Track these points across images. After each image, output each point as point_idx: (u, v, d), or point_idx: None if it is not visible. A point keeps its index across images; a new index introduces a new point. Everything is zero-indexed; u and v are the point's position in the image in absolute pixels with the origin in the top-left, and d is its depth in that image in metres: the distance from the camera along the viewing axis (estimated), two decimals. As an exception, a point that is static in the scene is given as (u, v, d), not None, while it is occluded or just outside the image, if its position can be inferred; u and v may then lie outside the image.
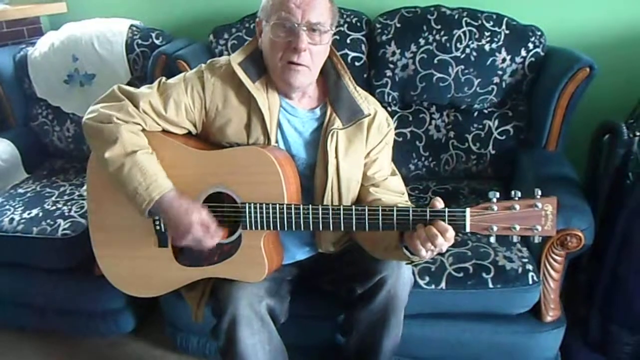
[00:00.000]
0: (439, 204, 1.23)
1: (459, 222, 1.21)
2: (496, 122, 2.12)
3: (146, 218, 1.41)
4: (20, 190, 2.27)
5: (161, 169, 1.38)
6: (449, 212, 1.21)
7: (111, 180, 1.39)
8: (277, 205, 1.34)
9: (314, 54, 1.37)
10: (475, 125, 2.13)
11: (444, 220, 1.21)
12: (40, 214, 2.04)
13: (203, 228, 1.35)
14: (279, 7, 1.34)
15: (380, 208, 1.28)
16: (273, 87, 1.45)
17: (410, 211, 1.25)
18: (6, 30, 2.63)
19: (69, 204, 2.11)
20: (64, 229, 1.95)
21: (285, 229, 1.35)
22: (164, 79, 1.48)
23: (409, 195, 1.62)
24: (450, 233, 1.20)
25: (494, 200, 1.20)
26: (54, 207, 2.09)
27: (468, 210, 1.20)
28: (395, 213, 1.26)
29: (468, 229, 1.21)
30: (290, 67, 1.36)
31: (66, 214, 2.03)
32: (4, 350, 2.14)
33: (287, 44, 1.35)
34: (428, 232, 1.20)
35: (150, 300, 1.66)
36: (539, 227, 1.18)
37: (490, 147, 2.13)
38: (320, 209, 1.32)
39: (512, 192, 1.20)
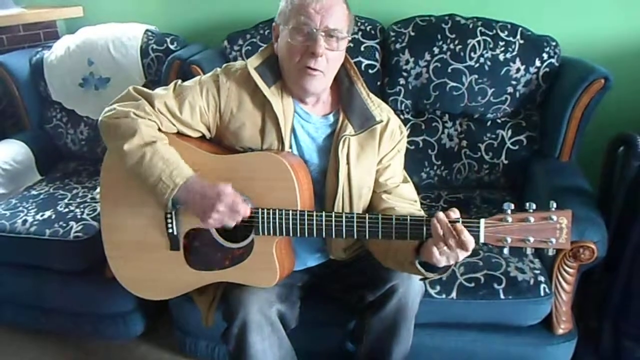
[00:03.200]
0: (454, 214, 1.22)
1: (473, 233, 1.20)
2: (509, 132, 2.11)
3: (167, 209, 1.40)
4: (34, 192, 2.28)
5: (180, 157, 1.38)
6: (463, 222, 1.20)
7: (131, 174, 1.39)
8: (291, 212, 1.34)
9: (330, 60, 1.38)
10: (488, 135, 2.13)
11: None
12: (53, 216, 2.05)
13: (230, 197, 1.32)
14: (298, 11, 1.35)
15: (394, 217, 1.27)
16: (288, 92, 1.46)
17: (425, 220, 1.24)
18: (23, 34, 2.66)
19: (81, 206, 2.12)
20: (76, 232, 1.96)
21: (298, 235, 1.35)
22: (179, 81, 1.50)
23: (421, 204, 1.62)
24: (466, 235, 1.18)
25: (509, 211, 1.19)
26: (67, 210, 2.10)
27: (482, 221, 1.20)
28: (409, 222, 1.26)
29: (482, 240, 1.20)
30: (307, 72, 1.37)
31: (79, 216, 2.05)
32: (14, 350, 2.14)
33: (304, 48, 1.36)
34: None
35: (159, 303, 1.67)
36: (554, 240, 1.17)
37: (503, 156, 2.12)
38: (333, 216, 1.32)
39: (527, 204, 1.19)
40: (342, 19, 1.38)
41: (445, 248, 1.20)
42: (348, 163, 1.45)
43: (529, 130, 2.10)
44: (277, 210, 1.35)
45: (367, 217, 1.30)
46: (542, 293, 1.63)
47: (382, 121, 1.48)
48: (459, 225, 1.19)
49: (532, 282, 1.64)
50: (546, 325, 1.72)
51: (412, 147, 2.15)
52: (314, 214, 1.33)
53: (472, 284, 1.65)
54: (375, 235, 1.30)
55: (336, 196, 1.44)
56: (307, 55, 1.35)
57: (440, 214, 1.20)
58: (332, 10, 1.35)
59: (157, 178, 1.34)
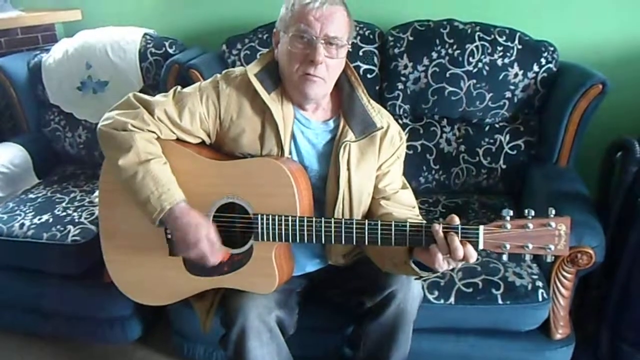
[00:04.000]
0: (453, 221, 1.22)
1: (472, 240, 1.20)
2: (507, 137, 2.11)
3: (156, 227, 1.41)
4: (31, 196, 2.28)
5: (174, 179, 1.39)
6: (462, 229, 1.20)
7: (124, 187, 1.40)
8: (290, 218, 1.34)
9: (329, 67, 1.38)
10: (487, 140, 2.13)
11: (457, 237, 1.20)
12: (51, 220, 2.05)
13: (209, 245, 1.36)
14: (299, 19, 1.35)
15: (393, 223, 1.27)
16: (288, 98, 1.46)
17: (424, 227, 1.24)
18: (21, 37, 2.65)
19: (79, 210, 2.12)
20: (73, 235, 1.95)
21: (298, 241, 1.35)
22: (179, 88, 1.49)
23: (419, 208, 1.62)
24: (468, 248, 1.19)
25: (508, 218, 1.19)
26: (64, 213, 2.10)
27: (482, 227, 1.20)
28: (408, 229, 1.26)
29: (481, 247, 1.20)
30: (307, 78, 1.37)
31: (76, 220, 2.04)
32: (12, 354, 2.14)
33: (304, 56, 1.36)
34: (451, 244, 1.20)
35: (157, 308, 1.66)
36: (552, 247, 1.18)
37: (501, 161, 2.12)
38: (332, 222, 1.32)
39: (526, 211, 1.19)
40: (343, 27, 1.38)
41: (449, 256, 1.21)
42: (348, 169, 1.45)
43: (527, 135, 2.10)
44: (276, 216, 1.35)
45: (366, 224, 1.30)
46: (540, 298, 1.63)
47: (382, 127, 1.49)
48: (463, 241, 1.20)
49: (530, 287, 1.64)
50: (544, 330, 1.73)
51: (411, 152, 2.15)
52: (314, 220, 1.33)
53: (471, 289, 1.65)
54: (374, 241, 1.30)
55: (336, 202, 1.44)
56: (307, 62, 1.35)
57: (437, 227, 1.21)
58: (332, 18, 1.35)
59: (146, 199, 1.35)
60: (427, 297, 1.64)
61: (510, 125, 2.13)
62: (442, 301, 1.65)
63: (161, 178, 1.36)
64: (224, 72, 1.51)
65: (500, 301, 1.63)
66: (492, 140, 2.13)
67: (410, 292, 1.46)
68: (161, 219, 1.36)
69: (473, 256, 1.19)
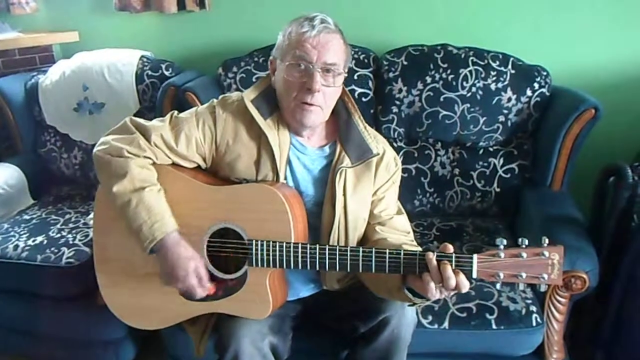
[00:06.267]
0: (446, 249, 1.23)
1: (465, 268, 1.20)
2: (501, 160, 2.13)
3: (147, 255, 1.41)
4: (26, 217, 2.27)
5: (167, 208, 1.39)
6: (456, 257, 1.21)
7: (118, 213, 1.40)
8: (285, 244, 1.34)
9: (327, 95, 1.39)
10: (481, 163, 2.15)
11: (451, 265, 1.21)
12: (45, 242, 2.05)
13: (197, 279, 1.37)
14: (295, 46, 1.37)
15: (387, 251, 1.28)
16: (284, 124, 1.47)
17: (418, 255, 1.25)
18: (18, 58, 2.67)
19: (73, 232, 2.12)
20: (67, 257, 1.95)
21: (292, 267, 1.35)
22: (175, 112, 1.50)
23: (414, 231, 1.63)
24: (461, 278, 1.20)
25: (501, 247, 1.19)
26: (59, 235, 2.10)
27: (475, 256, 1.20)
28: (402, 257, 1.26)
29: (475, 275, 1.20)
30: (303, 107, 1.38)
31: (70, 242, 2.04)
32: (3, 377, 2.13)
33: (301, 84, 1.37)
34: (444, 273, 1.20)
35: (151, 330, 1.65)
36: (546, 276, 1.18)
37: (495, 184, 2.13)
38: (327, 249, 1.32)
39: (519, 240, 1.20)
40: (340, 54, 1.39)
41: (441, 285, 1.21)
42: (344, 194, 1.46)
43: (520, 158, 2.12)
44: (270, 242, 1.35)
45: (360, 251, 1.30)
46: (534, 323, 1.63)
47: (378, 154, 1.49)
48: (456, 270, 1.20)
49: (524, 312, 1.64)
50: (539, 355, 1.72)
51: (405, 175, 2.16)
52: (308, 246, 1.33)
53: (465, 314, 1.65)
54: (368, 269, 1.30)
55: (332, 228, 1.45)
56: (304, 90, 1.37)
57: (431, 255, 1.21)
58: (328, 46, 1.36)
59: (139, 227, 1.35)
60: (421, 321, 1.63)
61: (504, 149, 2.14)
62: (436, 326, 1.65)
63: (154, 207, 1.36)
64: (220, 97, 1.52)
65: (494, 326, 1.63)
66: (486, 164, 2.14)
67: (405, 317, 1.45)
68: (152, 248, 1.36)
69: (466, 286, 1.19)
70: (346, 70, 1.43)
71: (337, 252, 1.32)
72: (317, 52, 1.35)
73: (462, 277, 1.19)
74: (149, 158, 1.41)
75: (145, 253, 1.38)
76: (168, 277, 1.38)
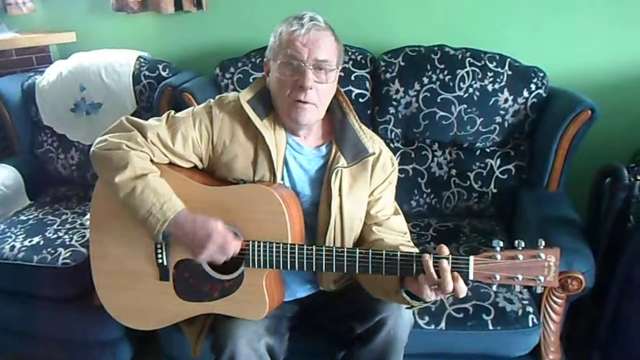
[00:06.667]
0: (442, 251, 1.23)
1: (462, 270, 1.21)
2: (498, 161, 2.13)
3: (158, 240, 1.40)
4: (23, 217, 2.27)
5: (172, 191, 1.38)
6: (452, 259, 1.21)
7: (122, 206, 1.39)
8: (282, 245, 1.34)
9: (320, 92, 1.39)
10: (477, 164, 2.15)
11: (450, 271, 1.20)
12: (42, 242, 2.04)
13: (222, 236, 1.34)
14: (286, 45, 1.37)
15: (384, 252, 1.28)
16: (280, 124, 1.47)
17: (414, 257, 1.25)
18: (15, 58, 2.66)
19: (70, 232, 2.11)
20: (64, 258, 1.95)
21: (289, 268, 1.35)
22: (172, 112, 1.50)
23: (410, 232, 1.63)
24: (459, 284, 1.20)
25: (498, 249, 1.20)
26: (55, 236, 2.09)
27: (472, 258, 1.21)
28: (399, 259, 1.26)
29: (471, 277, 1.21)
30: (298, 105, 1.38)
31: (67, 242, 2.04)
32: (-1, 378, 2.12)
33: (293, 82, 1.37)
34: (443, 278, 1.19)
35: (147, 331, 1.65)
36: (542, 278, 1.18)
37: (492, 185, 2.14)
38: (324, 250, 1.33)
39: (516, 242, 1.20)
40: (331, 51, 1.39)
41: (437, 288, 1.21)
42: (340, 194, 1.46)
43: (517, 159, 2.12)
44: (267, 243, 1.35)
45: (357, 252, 1.30)
46: (530, 324, 1.64)
47: (374, 153, 1.49)
48: (455, 274, 1.20)
49: (520, 312, 1.65)
50: (535, 355, 1.72)
51: (402, 176, 2.16)
52: (304, 247, 1.33)
53: (461, 315, 1.65)
54: (365, 270, 1.30)
55: (328, 228, 1.45)
56: (297, 88, 1.37)
57: (427, 257, 1.21)
58: (318, 43, 1.37)
59: (148, 211, 1.34)
60: (417, 322, 1.63)
61: (501, 150, 2.15)
62: (432, 326, 1.65)
63: (160, 190, 1.36)
64: (217, 97, 1.52)
65: (490, 327, 1.63)
66: (483, 165, 2.14)
67: (401, 318, 1.45)
68: (164, 231, 1.35)
69: (463, 291, 1.20)
70: (339, 67, 1.44)
71: (334, 253, 1.32)
72: (308, 50, 1.35)
73: (460, 283, 1.20)
74: (147, 154, 1.42)
75: (155, 240, 1.38)
76: (193, 247, 1.35)
